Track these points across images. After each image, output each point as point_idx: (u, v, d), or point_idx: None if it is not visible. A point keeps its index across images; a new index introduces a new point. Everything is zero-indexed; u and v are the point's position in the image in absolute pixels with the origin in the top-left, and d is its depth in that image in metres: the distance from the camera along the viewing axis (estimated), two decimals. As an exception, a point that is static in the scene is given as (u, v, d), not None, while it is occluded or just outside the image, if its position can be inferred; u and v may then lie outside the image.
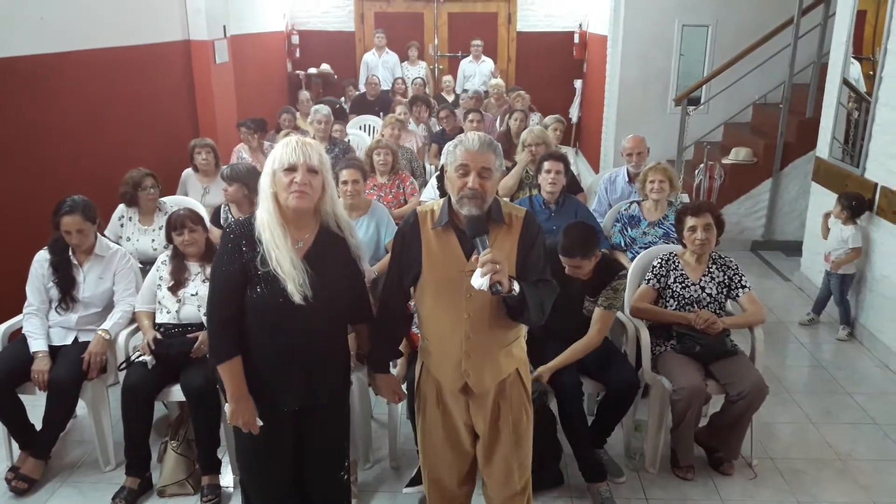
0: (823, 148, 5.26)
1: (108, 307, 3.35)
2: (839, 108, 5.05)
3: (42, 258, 3.27)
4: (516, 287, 2.07)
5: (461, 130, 6.12)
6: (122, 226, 4.12)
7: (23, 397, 3.18)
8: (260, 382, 2.24)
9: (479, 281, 1.99)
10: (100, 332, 3.21)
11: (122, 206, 4.14)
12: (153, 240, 4.06)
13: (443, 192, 4.46)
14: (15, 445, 3.27)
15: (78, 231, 3.20)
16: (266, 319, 2.18)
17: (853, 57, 4.93)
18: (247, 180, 3.87)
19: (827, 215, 4.82)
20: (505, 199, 2.35)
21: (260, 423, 2.25)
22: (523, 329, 2.39)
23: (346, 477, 2.52)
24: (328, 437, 2.42)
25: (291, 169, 2.12)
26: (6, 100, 4.27)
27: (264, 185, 2.17)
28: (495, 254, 2.01)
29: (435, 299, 2.26)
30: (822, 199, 5.13)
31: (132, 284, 3.38)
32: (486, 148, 2.15)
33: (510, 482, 2.41)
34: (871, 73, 4.63)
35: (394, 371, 2.69)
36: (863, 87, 4.82)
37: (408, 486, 3.10)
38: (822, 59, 5.77)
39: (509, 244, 2.21)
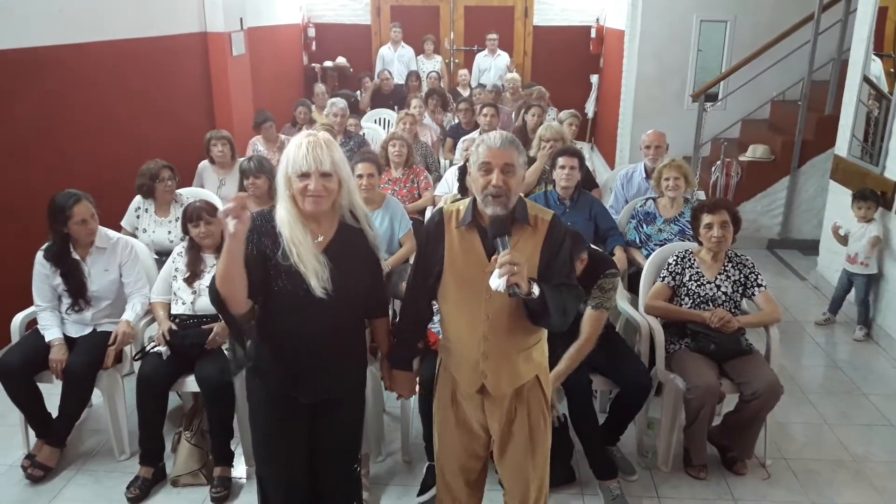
0: (842, 146, 5.20)
1: (119, 297, 3.34)
2: (859, 106, 4.98)
3: (42, 259, 3.24)
4: (536, 290, 2.02)
5: (477, 125, 6.11)
6: (138, 217, 4.15)
7: (40, 385, 3.22)
8: (279, 375, 2.25)
9: (497, 282, 1.96)
10: (124, 321, 3.23)
11: (138, 198, 4.17)
12: (169, 231, 4.09)
13: (462, 187, 4.45)
14: (31, 433, 3.30)
15: (91, 216, 3.19)
16: (286, 313, 2.19)
17: (874, 54, 4.86)
18: (273, 173, 3.87)
19: (836, 228, 4.73)
20: (530, 200, 2.31)
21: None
22: (544, 334, 2.35)
23: (358, 470, 2.53)
24: (343, 429, 2.42)
25: (304, 176, 2.11)
26: (24, 89, 4.30)
27: (280, 185, 2.16)
28: (515, 255, 1.98)
29: (455, 299, 2.24)
30: (840, 198, 5.07)
31: (142, 274, 3.39)
32: (508, 145, 2.13)
33: (524, 493, 2.37)
34: (893, 70, 4.57)
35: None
36: (884, 85, 4.75)
37: (419, 494, 3.08)
38: (843, 55, 5.69)
39: (532, 246, 2.17)
